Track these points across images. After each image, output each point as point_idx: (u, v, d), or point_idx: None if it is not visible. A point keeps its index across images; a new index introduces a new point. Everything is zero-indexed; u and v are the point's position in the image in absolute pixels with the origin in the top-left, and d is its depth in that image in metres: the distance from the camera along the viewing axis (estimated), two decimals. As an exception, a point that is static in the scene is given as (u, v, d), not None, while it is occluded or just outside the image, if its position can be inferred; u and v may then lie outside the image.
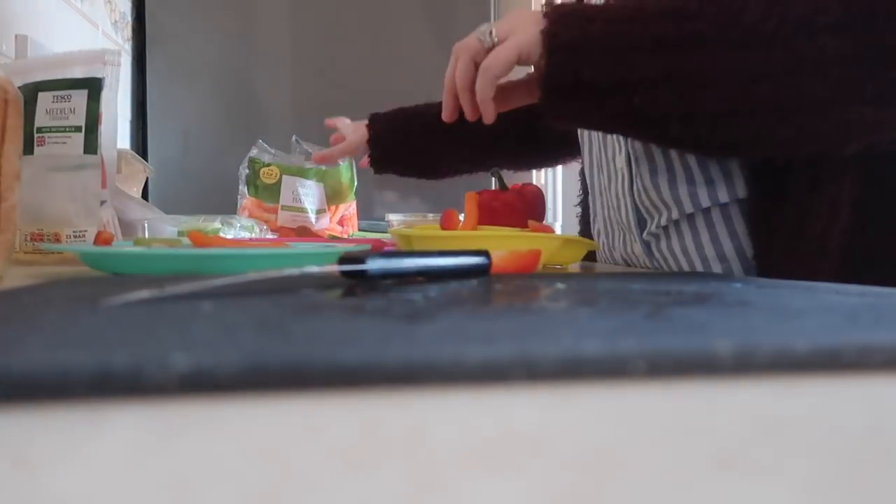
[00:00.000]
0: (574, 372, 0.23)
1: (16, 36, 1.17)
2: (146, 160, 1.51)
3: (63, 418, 0.19)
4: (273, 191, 1.56)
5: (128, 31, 1.82)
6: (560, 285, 0.46)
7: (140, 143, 1.86)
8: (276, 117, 1.89)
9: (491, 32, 0.72)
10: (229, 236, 1.16)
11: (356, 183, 1.62)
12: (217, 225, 1.19)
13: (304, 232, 1.53)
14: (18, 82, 0.91)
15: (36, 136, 0.91)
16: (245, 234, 1.25)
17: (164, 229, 1.10)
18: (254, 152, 1.58)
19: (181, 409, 0.20)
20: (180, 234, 1.11)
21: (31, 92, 0.92)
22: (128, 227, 1.04)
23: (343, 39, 1.88)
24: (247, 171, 1.58)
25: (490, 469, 0.16)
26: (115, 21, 1.73)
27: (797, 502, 0.14)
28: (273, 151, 1.60)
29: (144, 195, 1.51)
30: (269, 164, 1.57)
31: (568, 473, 0.16)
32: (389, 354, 0.23)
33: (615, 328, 0.28)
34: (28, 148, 0.90)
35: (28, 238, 0.89)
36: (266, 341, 0.26)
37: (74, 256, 0.84)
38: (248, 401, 0.21)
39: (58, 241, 0.89)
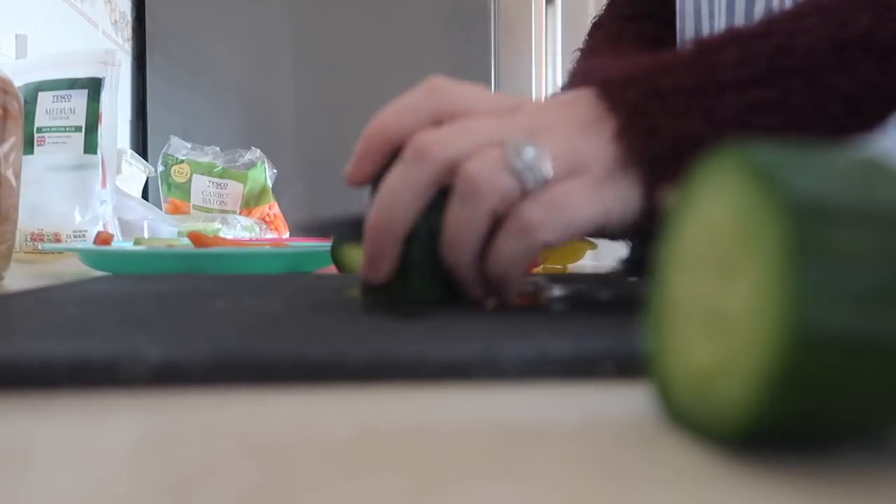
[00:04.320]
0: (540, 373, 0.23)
1: (16, 36, 1.17)
2: (146, 160, 1.50)
3: (62, 413, 0.19)
4: (184, 190, 1.46)
5: (128, 31, 1.82)
6: (553, 286, 0.46)
7: (140, 143, 1.86)
8: (277, 117, 1.89)
9: (534, 165, 0.34)
10: (229, 236, 1.16)
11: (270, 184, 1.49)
12: (217, 225, 1.19)
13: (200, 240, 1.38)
14: (18, 82, 0.91)
15: (36, 136, 0.91)
16: (245, 234, 1.25)
17: (164, 229, 1.10)
18: (168, 148, 1.48)
19: (179, 405, 0.20)
20: (180, 234, 1.11)
21: (31, 92, 0.92)
22: (128, 227, 1.04)
23: (345, 39, 1.88)
24: (161, 167, 1.47)
25: (488, 467, 0.16)
26: (115, 21, 1.73)
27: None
28: (189, 146, 1.50)
29: (144, 195, 1.51)
30: (180, 161, 1.46)
31: (562, 472, 0.16)
32: (355, 352, 0.23)
33: (598, 332, 0.28)
34: (28, 148, 0.90)
35: (28, 238, 0.89)
36: (239, 337, 0.26)
37: (74, 256, 0.84)
38: (243, 397, 0.21)
39: (58, 241, 0.89)
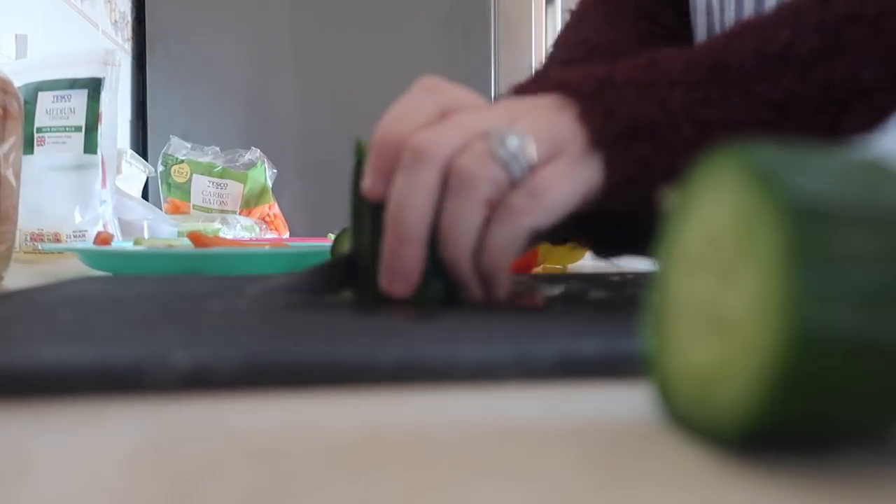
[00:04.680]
0: (569, 372, 0.23)
1: (16, 36, 1.17)
2: (146, 160, 1.50)
3: (66, 415, 0.19)
4: (184, 190, 1.47)
5: (128, 31, 1.82)
6: (553, 286, 0.46)
7: (140, 143, 1.86)
8: (277, 117, 1.89)
9: (518, 153, 0.36)
10: (229, 236, 1.16)
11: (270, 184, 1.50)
12: (217, 225, 1.19)
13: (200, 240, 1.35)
14: (18, 82, 0.91)
15: (36, 136, 0.91)
16: (245, 234, 1.25)
17: (164, 229, 1.10)
18: (168, 148, 1.49)
19: (182, 406, 0.20)
20: (180, 234, 1.11)
21: (31, 92, 0.92)
22: (128, 227, 1.04)
23: (345, 39, 1.88)
24: (161, 167, 1.48)
25: (489, 469, 0.16)
26: (115, 21, 1.73)
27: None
28: (189, 146, 1.51)
29: (144, 195, 1.51)
30: (180, 161, 1.47)
31: (567, 473, 0.16)
32: (385, 354, 0.23)
33: (609, 330, 0.28)
34: (28, 148, 0.90)
35: (28, 238, 0.89)
36: (266, 340, 0.26)
37: (74, 256, 0.84)
38: (247, 399, 0.21)
39: (58, 241, 0.89)
